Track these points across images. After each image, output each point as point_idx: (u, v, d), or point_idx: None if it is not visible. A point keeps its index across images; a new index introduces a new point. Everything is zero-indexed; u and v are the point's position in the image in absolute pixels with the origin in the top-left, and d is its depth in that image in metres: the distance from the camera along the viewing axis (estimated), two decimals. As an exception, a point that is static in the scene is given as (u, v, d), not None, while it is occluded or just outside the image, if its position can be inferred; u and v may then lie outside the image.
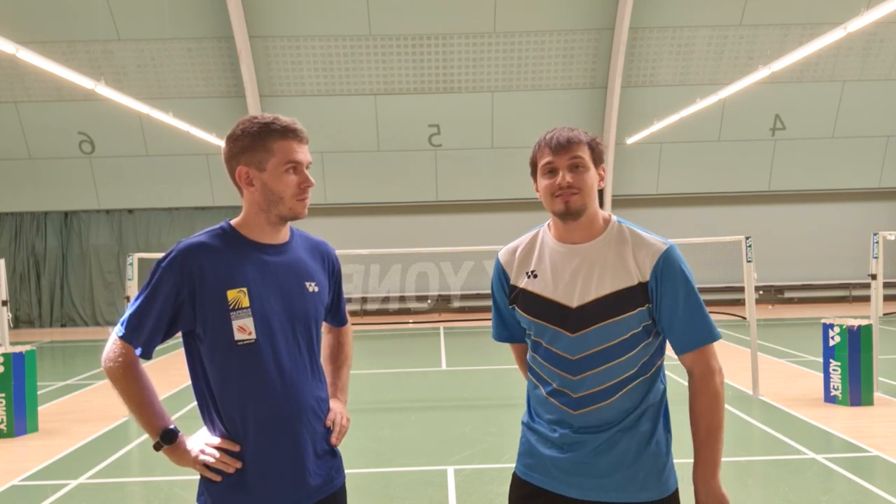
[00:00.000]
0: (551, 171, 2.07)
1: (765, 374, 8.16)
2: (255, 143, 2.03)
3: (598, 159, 2.10)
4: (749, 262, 7.70)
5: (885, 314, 13.54)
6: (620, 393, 2.05)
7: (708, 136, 16.16)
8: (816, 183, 16.75)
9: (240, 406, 2.02)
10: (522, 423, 2.26)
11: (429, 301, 16.27)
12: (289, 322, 2.07)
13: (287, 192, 2.04)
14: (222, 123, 14.19)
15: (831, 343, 7.12)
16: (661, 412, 2.12)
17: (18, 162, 15.82)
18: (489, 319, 2.39)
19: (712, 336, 2.04)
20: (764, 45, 14.78)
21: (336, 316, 2.44)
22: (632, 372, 2.05)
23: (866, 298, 8.43)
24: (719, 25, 14.89)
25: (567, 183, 2.03)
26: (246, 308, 1.99)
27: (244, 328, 1.99)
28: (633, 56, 15.20)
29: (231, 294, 1.99)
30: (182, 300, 1.98)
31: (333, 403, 2.27)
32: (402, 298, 15.95)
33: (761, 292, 15.95)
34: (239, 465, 2.01)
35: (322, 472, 2.14)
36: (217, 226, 2.12)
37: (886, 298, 15.44)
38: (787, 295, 17.00)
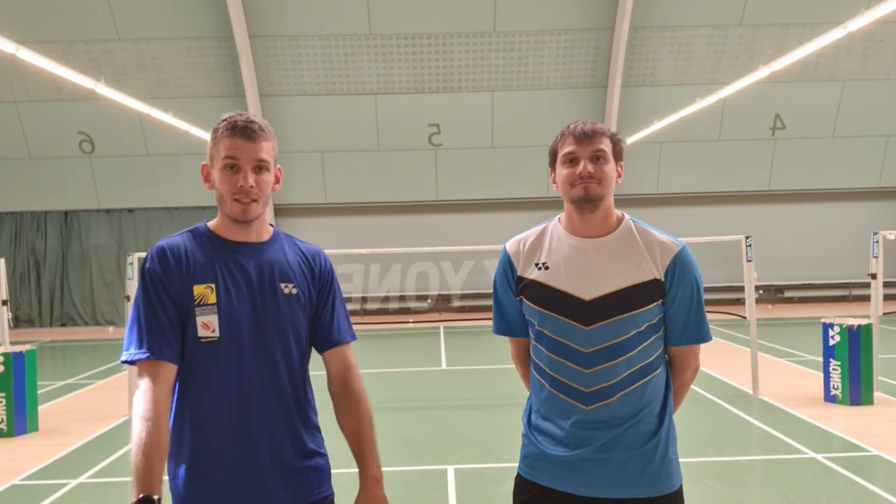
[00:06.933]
0: (572, 161, 2.08)
1: (765, 374, 8.15)
2: (213, 139, 2.04)
3: (618, 154, 2.12)
4: (749, 261, 7.70)
5: (884, 314, 13.47)
6: (631, 387, 2.06)
7: (708, 135, 16.15)
8: (816, 182, 16.74)
9: (192, 405, 1.94)
10: (524, 422, 2.23)
11: (429, 300, 16.25)
12: (257, 323, 1.98)
13: (225, 191, 1.99)
14: (222, 123, 14.17)
15: (831, 342, 7.12)
16: (667, 407, 2.14)
17: (18, 162, 15.80)
18: (489, 318, 2.38)
19: (704, 338, 2.15)
20: (764, 45, 14.76)
21: (328, 336, 2.12)
22: (643, 365, 2.07)
23: (866, 298, 8.42)
24: (719, 25, 14.87)
25: (588, 173, 2.04)
26: (212, 305, 1.94)
27: (208, 325, 1.93)
28: (633, 56, 15.18)
29: (197, 290, 1.94)
30: (166, 295, 1.94)
31: (363, 493, 2.09)
32: (402, 298, 15.93)
33: (761, 292, 15.93)
34: None
35: (292, 488, 2.00)
36: (194, 226, 2.10)
37: (886, 298, 15.38)
38: (787, 294, 16.98)
